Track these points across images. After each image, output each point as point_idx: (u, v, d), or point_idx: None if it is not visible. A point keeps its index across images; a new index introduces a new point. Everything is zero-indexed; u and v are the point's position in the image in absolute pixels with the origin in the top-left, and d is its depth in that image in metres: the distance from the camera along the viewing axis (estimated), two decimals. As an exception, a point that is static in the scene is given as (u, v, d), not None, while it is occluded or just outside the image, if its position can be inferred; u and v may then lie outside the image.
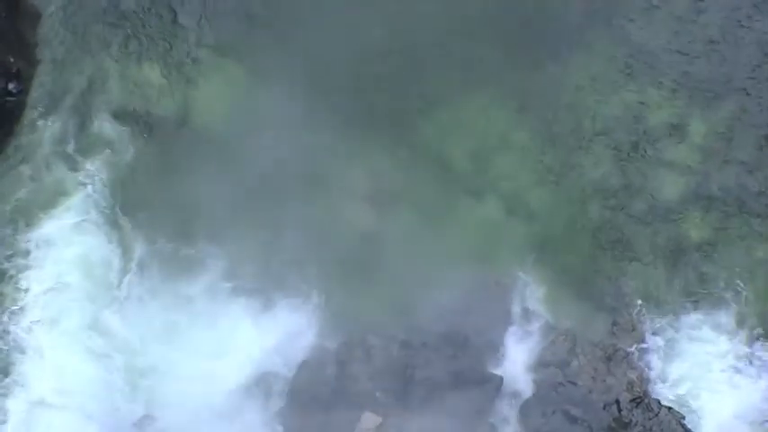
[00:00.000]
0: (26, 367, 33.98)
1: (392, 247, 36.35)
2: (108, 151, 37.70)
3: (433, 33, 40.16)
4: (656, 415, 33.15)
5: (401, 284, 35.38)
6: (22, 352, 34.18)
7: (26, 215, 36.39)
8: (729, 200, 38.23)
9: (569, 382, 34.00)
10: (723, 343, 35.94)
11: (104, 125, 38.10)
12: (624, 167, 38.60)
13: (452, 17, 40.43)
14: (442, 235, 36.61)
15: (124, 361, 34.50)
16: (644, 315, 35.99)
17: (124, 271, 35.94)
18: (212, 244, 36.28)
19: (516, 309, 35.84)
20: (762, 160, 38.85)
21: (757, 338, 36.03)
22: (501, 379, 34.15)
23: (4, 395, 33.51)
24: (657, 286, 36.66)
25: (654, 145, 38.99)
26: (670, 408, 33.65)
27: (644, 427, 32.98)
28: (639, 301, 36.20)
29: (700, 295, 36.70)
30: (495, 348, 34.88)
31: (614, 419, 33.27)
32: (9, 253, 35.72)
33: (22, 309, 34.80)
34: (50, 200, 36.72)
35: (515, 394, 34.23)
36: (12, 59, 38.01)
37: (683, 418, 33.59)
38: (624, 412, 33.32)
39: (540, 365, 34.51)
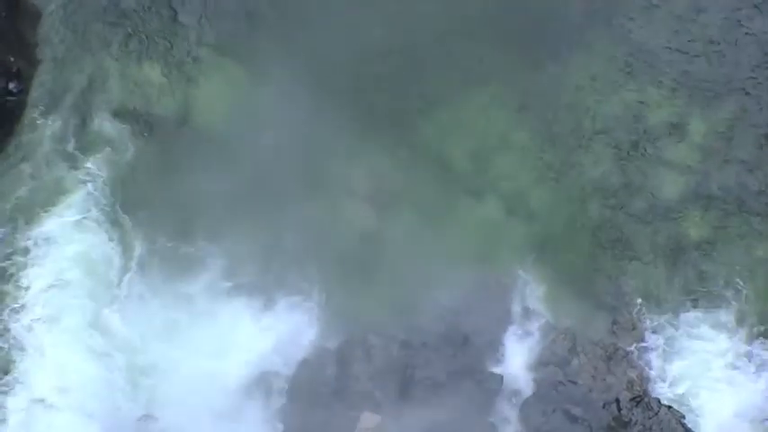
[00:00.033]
0: (27, 365, 33.95)
1: (392, 246, 36.39)
2: (108, 150, 37.70)
3: (433, 33, 40.19)
4: (656, 414, 33.18)
5: (401, 284, 35.40)
6: (23, 350, 34.16)
7: (26, 213, 36.40)
8: (729, 199, 38.25)
9: (569, 381, 34.02)
10: (723, 341, 35.96)
11: (105, 124, 38.11)
12: (624, 166, 38.62)
13: (452, 17, 40.45)
14: (443, 234, 36.63)
15: (125, 360, 34.47)
16: (644, 314, 36.02)
17: (124, 269, 35.95)
18: (212, 243, 36.30)
19: (516, 308, 35.87)
20: (761, 159, 38.87)
21: (757, 337, 36.05)
22: (501, 378, 34.18)
23: (5, 393, 33.49)
24: (657, 285, 36.70)
25: (654, 144, 39.01)
26: (670, 407, 33.68)
27: (644, 425, 33.00)
28: (639, 300, 36.23)
29: (699, 294, 36.74)
30: (495, 348, 34.91)
31: (614, 418, 33.29)
32: (9, 251, 35.73)
33: (22, 307, 34.79)
34: (51, 198, 36.74)
35: (515, 393, 34.26)
36: (12, 59, 38.02)
37: (683, 416, 33.61)
38: (624, 411, 33.34)
39: (540, 364, 34.53)
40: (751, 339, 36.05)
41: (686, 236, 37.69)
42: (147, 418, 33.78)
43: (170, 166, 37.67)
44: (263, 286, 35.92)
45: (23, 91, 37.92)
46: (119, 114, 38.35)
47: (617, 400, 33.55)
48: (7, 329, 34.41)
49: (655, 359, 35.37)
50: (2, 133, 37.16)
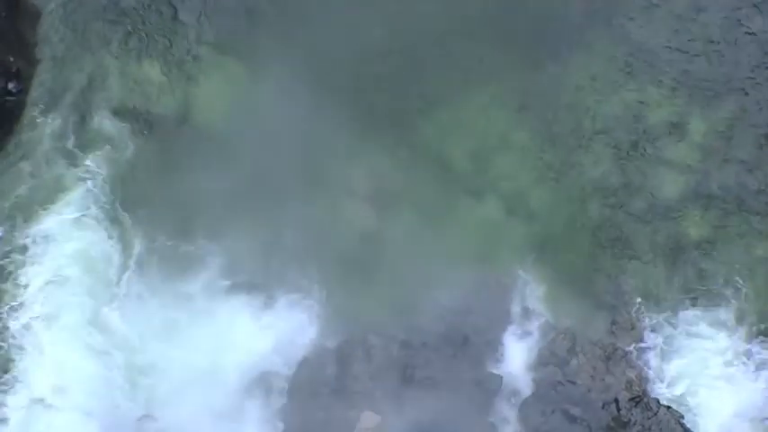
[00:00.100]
0: (26, 364, 34.04)
1: (392, 246, 36.39)
2: (108, 147, 37.73)
3: (433, 33, 40.17)
4: (655, 414, 33.19)
5: (401, 284, 35.40)
6: (22, 348, 34.22)
7: (26, 211, 36.46)
8: (729, 198, 38.26)
9: (569, 381, 34.03)
10: (722, 340, 35.98)
11: (104, 122, 38.12)
12: (624, 166, 38.62)
13: (452, 17, 40.43)
14: (443, 234, 36.63)
15: (124, 358, 34.52)
16: (643, 313, 36.03)
17: (124, 267, 35.99)
18: (212, 241, 36.32)
19: (516, 308, 35.87)
20: (761, 159, 38.88)
21: (757, 336, 36.08)
22: (500, 378, 34.19)
23: (4, 392, 33.58)
24: (657, 284, 36.72)
25: (654, 144, 39.01)
26: (669, 407, 33.70)
27: (643, 426, 33.02)
28: (639, 300, 36.25)
29: (699, 293, 36.76)
30: (494, 347, 34.92)
31: (613, 418, 33.30)
32: (8, 249, 35.78)
33: (21, 305, 34.86)
34: (50, 196, 36.81)
35: (515, 393, 34.26)
36: (11, 59, 38.04)
37: (682, 417, 33.62)
38: (623, 411, 33.35)
39: (539, 364, 34.55)
40: (750, 338, 36.07)
41: (686, 235, 37.70)
42: (146, 416, 33.82)
43: (170, 165, 37.68)
44: (263, 285, 35.94)
45: (23, 91, 37.95)
46: (118, 112, 38.36)
47: (616, 400, 33.56)
48: (6, 327, 34.49)
49: (654, 359, 35.39)
50: (1, 133, 37.17)
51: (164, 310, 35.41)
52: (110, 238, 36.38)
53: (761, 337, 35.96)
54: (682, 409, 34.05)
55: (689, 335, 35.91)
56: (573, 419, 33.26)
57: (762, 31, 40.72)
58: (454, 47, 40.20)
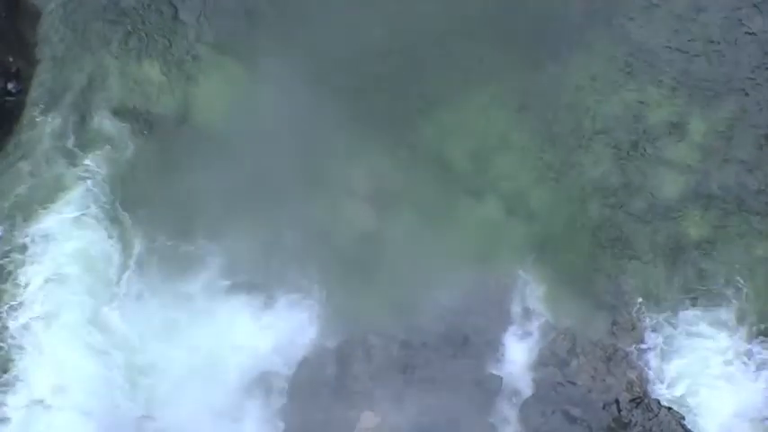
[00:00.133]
0: (25, 363, 34.02)
1: (392, 246, 36.39)
2: (108, 147, 37.72)
3: (433, 33, 40.13)
4: (656, 415, 33.18)
5: (401, 284, 35.40)
6: (21, 348, 34.21)
7: (25, 210, 36.44)
8: (729, 198, 38.23)
9: (569, 381, 34.03)
10: (723, 341, 35.94)
11: (104, 122, 38.11)
12: (624, 166, 38.60)
13: (452, 17, 40.39)
14: (443, 234, 36.61)
15: (123, 358, 34.52)
16: (644, 314, 36.01)
17: (123, 267, 35.98)
18: (212, 241, 36.31)
19: (516, 308, 35.85)
20: (761, 159, 38.86)
21: (757, 336, 36.05)
22: (501, 379, 34.17)
23: (4, 392, 33.54)
24: (657, 285, 36.70)
25: (654, 144, 38.99)
26: (670, 408, 33.68)
27: (643, 427, 33.01)
28: (639, 300, 36.22)
29: (699, 293, 36.71)
30: (494, 348, 34.90)
31: (614, 419, 33.30)
32: (8, 248, 35.76)
33: (20, 304, 34.86)
34: (50, 195, 36.80)
35: (515, 394, 34.23)
36: (11, 59, 38.02)
37: (683, 418, 33.62)
38: (624, 412, 33.35)
39: (539, 365, 34.53)
40: (751, 338, 36.04)
41: (686, 235, 37.69)
42: (146, 416, 33.80)
43: (169, 164, 37.67)
44: (263, 285, 35.93)
45: (23, 91, 37.91)
46: (118, 112, 38.34)
47: (616, 401, 33.56)
48: (6, 327, 34.44)
49: (654, 359, 35.36)
50: (1, 133, 37.15)
51: (164, 309, 35.41)
52: (110, 237, 36.37)
53: (762, 338, 35.94)
54: (683, 410, 34.04)
55: (689, 335, 35.89)
56: (573, 420, 33.26)
57: (762, 31, 40.68)
58: (454, 47, 40.17)
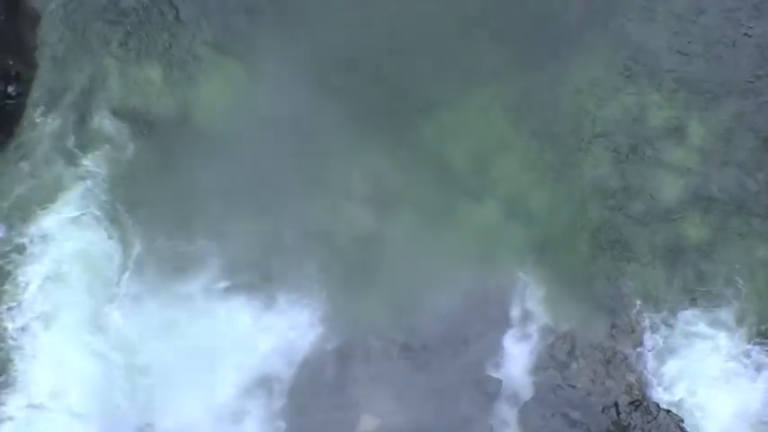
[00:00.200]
0: (24, 364, 34.00)
1: (392, 247, 36.39)
2: (108, 147, 37.63)
3: (433, 33, 40.05)
4: (655, 418, 33.25)
5: (401, 285, 35.44)
6: (20, 349, 34.17)
7: (24, 211, 36.36)
8: (728, 200, 38.22)
9: (568, 384, 34.10)
10: (723, 343, 35.99)
11: (104, 122, 38.02)
12: (623, 168, 38.56)
13: (452, 17, 40.32)
14: (442, 236, 36.61)
15: (123, 359, 34.55)
16: (643, 316, 36.04)
17: (123, 267, 35.95)
18: (212, 242, 36.28)
19: (516, 310, 35.87)
20: (761, 161, 38.84)
21: (757, 338, 36.10)
22: (500, 381, 34.25)
23: (3, 393, 33.51)
24: (657, 287, 36.71)
25: (653, 146, 38.94)
26: (669, 411, 33.75)
27: (642, 429, 33.08)
28: (639, 302, 36.25)
29: (699, 295, 36.73)
30: (494, 350, 34.96)
31: (613, 422, 33.36)
32: (7, 249, 35.68)
33: (19, 304, 34.82)
34: (49, 195, 36.70)
35: (514, 396, 34.32)
36: (11, 62, 37.92)
37: (682, 420, 33.68)
38: (623, 415, 33.41)
39: (539, 367, 34.60)
40: (751, 341, 36.10)
41: (686, 237, 37.69)
42: (146, 417, 33.80)
43: (169, 164, 37.62)
44: (263, 286, 35.93)
45: (23, 94, 37.81)
46: (118, 112, 38.22)
47: (616, 404, 33.63)
48: (4, 328, 34.41)
49: (654, 362, 35.41)
50: (1, 135, 37.06)
51: (163, 310, 35.42)
52: (109, 237, 36.33)
53: (762, 340, 36.00)
54: (682, 413, 34.11)
55: (689, 337, 35.93)
56: (573, 423, 33.32)
57: (762, 33, 40.66)
58: (454, 47, 40.08)
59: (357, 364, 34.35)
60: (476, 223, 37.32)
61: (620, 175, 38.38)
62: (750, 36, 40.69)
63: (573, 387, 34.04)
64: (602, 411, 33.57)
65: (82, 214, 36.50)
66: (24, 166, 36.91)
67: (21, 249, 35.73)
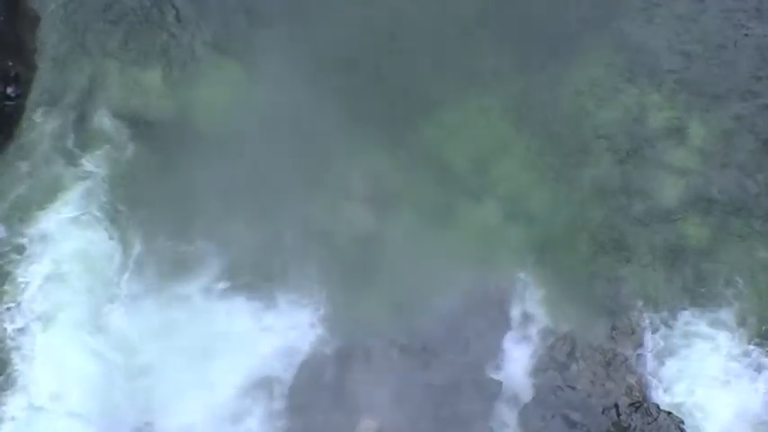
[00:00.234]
0: (23, 365, 33.90)
1: (392, 248, 36.33)
2: (107, 147, 37.61)
3: (434, 33, 40.08)
4: (655, 419, 33.21)
5: (401, 286, 35.37)
6: (19, 349, 34.11)
7: (24, 211, 36.30)
8: (729, 201, 38.20)
9: (568, 386, 34.05)
10: (723, 344, 35.90)
11: (104, 122, 38.01)
12: (623, 169, 38.55)
13: (452, 17, 40.35)
14: (442, 236, 36.57)
15: (123, 359, 34.45)
16: (643, 318, 36.02)
17: (123, 267, 35.86)
18: (212, 242, 36.22)
19: (515, 312, 35.80)
20: (761, 162, 38.86)
21: (757, 339, 36.07)
22: (500, 383, 34.18)
23: (2, 393, 33.45)
24: (657, 288, 36.64)
25: (653, 147, 38.95)
26: (669, 412, 33.68)
27: (643, 431, 33.05)
28: (639, 304, 36.19)
29: (699, 297, 36.65)
30: (494, 352, 34.88)
31: (613, 424, 33.33)
32: (6, 249, 35.63)
33: (19, 305, 34.74)
34: (49, 195, 36.64)
35: (514, 398, 34.24)
36: (10, 63, 37.91)
37: (682, 422, 33.62)
38: (623, 417, 33.38)
39: (539, 369, 34.54)
40: (751, 341, 36.07)
41: (686, 238, 37.66)
42: (145, 418, 33.75)
43: (169, 165, 37.58)
44: (263, 286, 35.84)
45: (22, 95, 37.80)
46: (118, 113, 38.21)
47: (616, 406, 33.59)
48: (4, 328, 34.34)
49: (654, 364, 35.38)
50: (1, 137, 37.06)
51: (163, 310, 35.33)
52: (109, 237, 36.29)
53: (762, 340, 35.97)
54: (683, 414, 34.09)
55: (689, 339, 35.88)
56: (573, 425, 33.28)
57: (762, 34, 40.69)
58: (454, 48, 40.12)
59: (357, 364, 34.27)
60: (476, 223, 37.28)
61: (620, 175, 38.37)
62: (751, 37, 40.73)
63: (573, 388, 33.99)
64: (603, 413, 33.53)
65: (82, 214, 36.44)
66: (24, 166, 36.89)
67: (20, 249, 35.66)
